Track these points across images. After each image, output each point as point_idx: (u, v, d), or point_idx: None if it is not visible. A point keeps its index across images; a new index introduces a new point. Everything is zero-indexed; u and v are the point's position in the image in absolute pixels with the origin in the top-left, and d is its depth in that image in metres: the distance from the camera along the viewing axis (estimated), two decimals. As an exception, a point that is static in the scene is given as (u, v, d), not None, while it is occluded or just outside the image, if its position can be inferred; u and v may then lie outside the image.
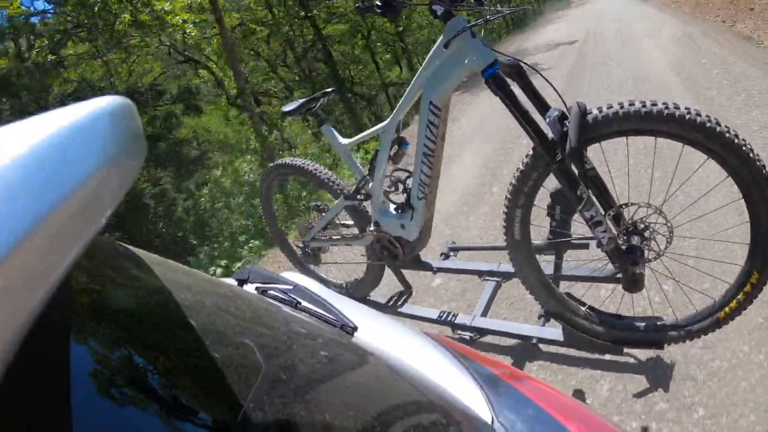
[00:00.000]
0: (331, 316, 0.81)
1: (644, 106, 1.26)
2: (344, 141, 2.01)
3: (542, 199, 1.55)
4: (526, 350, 1.94)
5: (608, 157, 1.50)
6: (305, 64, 13.73)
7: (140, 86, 11.66)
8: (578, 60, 6.58)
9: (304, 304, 0.84)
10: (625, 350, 1.68)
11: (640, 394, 1.64)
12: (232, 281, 0.96)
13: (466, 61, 1.44)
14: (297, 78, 13.94)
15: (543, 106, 1.42)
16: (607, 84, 5.41)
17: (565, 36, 8.70)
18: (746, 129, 3.28)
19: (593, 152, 1.42)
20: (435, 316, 2.00)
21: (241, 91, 9.11)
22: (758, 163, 1.23)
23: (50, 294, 0.26)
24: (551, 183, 1.48)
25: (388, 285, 2.26)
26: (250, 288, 0.91)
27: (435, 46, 1.51)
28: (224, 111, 13.20)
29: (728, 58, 4.69)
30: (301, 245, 2.37)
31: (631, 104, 1.28)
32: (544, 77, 1.42)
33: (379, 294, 2.28)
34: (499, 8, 1.49)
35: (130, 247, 0.62)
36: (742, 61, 4.50)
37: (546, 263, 1.75)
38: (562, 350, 1.83)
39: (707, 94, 4.04)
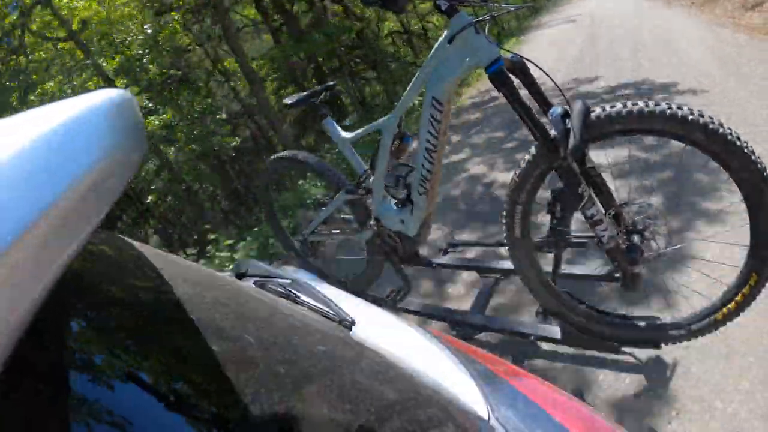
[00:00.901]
0: (329, 311, 0.81)
1: (647, 105, 1.25)
2: (346, 134, 2.00)
3: (543, 196, 1.55)
4: (523, 347, 1.95)
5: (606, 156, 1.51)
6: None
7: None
8: (594, 14, 12.60)
9: (303, 298, 0.84)
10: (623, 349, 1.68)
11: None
12: (230, 275, 0.96)
13: (469, 57, 1.43)
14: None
15: (546, 104, 1.41)
16: (610, 15, 11.31)
17: (581, 10, 14.62)
18: (646, 11, 9.93)
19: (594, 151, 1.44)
20: (433, 312, 2.01)
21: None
22: (759, 166, 1.22)
23: (51, 285, 0.26)
24: (553, 180, 1.48)
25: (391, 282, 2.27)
26: (248, 282, 0.91)
27: (439, 42, 1.50)
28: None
29: (661, 8, 9.96)
30: (300, 239, 2.37)
31: (635, 104, 1.27)
32: (547, 74, 1.41)
33: (378, 289, 2.29)
34: (503, 5, 1.48)
35: (130, 240, 0.62)
36: (666, 10, 9.63)
37: (545, 260, 1.75)
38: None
39: (645, 11, 9.77)
